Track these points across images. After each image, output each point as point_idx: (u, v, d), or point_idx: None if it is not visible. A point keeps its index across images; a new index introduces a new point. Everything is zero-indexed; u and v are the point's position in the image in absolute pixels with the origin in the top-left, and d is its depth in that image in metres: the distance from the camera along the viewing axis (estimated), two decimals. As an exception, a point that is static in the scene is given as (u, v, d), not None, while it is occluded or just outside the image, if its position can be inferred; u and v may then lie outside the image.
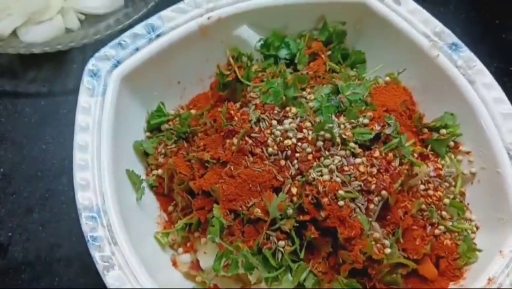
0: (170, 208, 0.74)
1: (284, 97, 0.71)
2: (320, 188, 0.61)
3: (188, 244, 0.70)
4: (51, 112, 0.92)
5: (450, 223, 0.68)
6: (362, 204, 0.62)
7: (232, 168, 0.67)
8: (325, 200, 0.61)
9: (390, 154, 0.66)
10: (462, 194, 0.73)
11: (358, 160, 0.64)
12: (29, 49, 0.88)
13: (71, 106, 0.81)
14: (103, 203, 0.62)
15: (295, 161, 0.66)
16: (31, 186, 0.84)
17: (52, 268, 0.78)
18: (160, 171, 0.74)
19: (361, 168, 0.63)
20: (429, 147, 0.74)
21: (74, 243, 0.80)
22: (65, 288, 0.77)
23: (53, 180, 0.85)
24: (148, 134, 0.77)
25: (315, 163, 0.65)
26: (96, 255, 0.58)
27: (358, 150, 0.65)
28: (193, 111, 0.79)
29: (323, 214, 0.61)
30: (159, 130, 0.78)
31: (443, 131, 0.74)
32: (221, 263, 0.64)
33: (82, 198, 0.61)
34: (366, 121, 0.67)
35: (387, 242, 0.62)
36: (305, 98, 0.72)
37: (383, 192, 0.63)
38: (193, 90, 0.83)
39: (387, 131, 0.67)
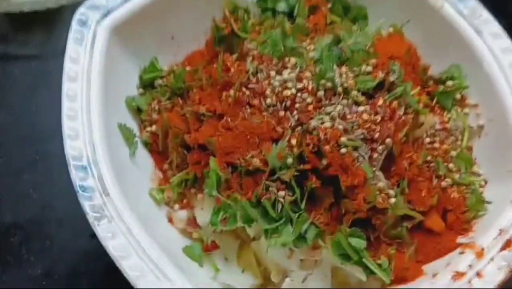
0: (165, 166, 0.71)
1: (282, 48, 0.68)
2: (321, 135, 0.58)
3: (184, 201, 0.67)
4: (43, 75, 0.89)
5: (458, 176, 0.66)
6: (366, 153, 0.59)
7: (229, 120, 0.64)
8: (326, 147, 0.58)
9: (395, 103, 0.63)
10: (469, 148, 0.70)
11: (361, 108, 0.61)
12: (18, 8, 0.85)
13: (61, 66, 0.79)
14: (93, 154, 0.59)
15: (295, 112, 0.63)
16: (21, 149, 0.81)
17: (43, 230, 0.75)
18: (154, 128, 0.71)
19: (364, 116, 0.60)
20: (434, 100, 0.71)
21: (66, 205, 0.76)
22: (57, 250, 0.74)
23: (45, 143, 0.82)
24: (141, 90, 0.74)
25: (316, 113, 0.62)
26: (86, 205, 0.55)
27: (361, 98, 0.62)
28: (188, 68, 0.76)
29: (324, 162, 0.58)
30: (152, 86, 0.75)
31: (449, 83, 0.71)
32: (218, 217, 0.61)
33: (71, 147, 0.58)
34: (369, 68, 0.64)
35: (392, 192, 0.59)
36: (305, 49, 0.69)
37: (388, 140, 0.60)
38: (188, 47, 0.79)
39: (392, 78, 0.64)
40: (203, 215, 0.65)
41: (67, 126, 0.59)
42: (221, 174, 0.61)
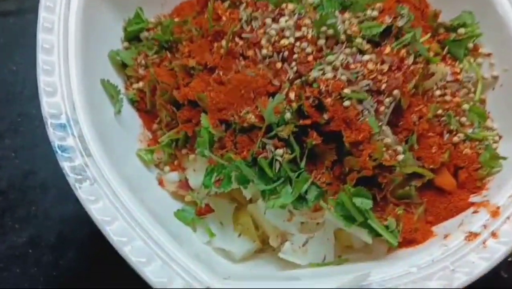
0: (155, 126, 0.66)
1: (279, -7, 0.62)
2: (323, 87, 0.53)
3: (176, 162, 0.62)
4: (21, 32, 0.83)
5: (470, 130, 0.61)
6: (371, 106, 0.54)
7: (221, 73, 0.59)
8: (328, 100, 0.53)
9: (403, 51, 0.57)
10: (483, 101, 0.65)
11: (366, 57, 0.56)
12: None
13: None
14: (73, 111, 0.54)
15: (293, 63, 0.57)
16: (1, 111, 0.76)
17: (27, 197, 0.71)
18: (141, 84, 0.65)
19: (370, 66, 0.55)
20: (445, 49, 0.65)
21: (50, 170, 0.72)
22: (43, 217, 0.70)
23: (26, 104, 0.77)
24: (126, 44, 0.68)
25: (316, 63, 0.56)
26: (65, 166, 0.50)
27: (366, 46, 0.57)
28: (176, 19, 0.70)
29: (326, 116, 0.53)
30: (138, 39, 0.69)
31: (461, 30, 0.65)
32: (212, 178, 0.56)
33: (48, 105, 0.53)
34: (375, 13, 0.59)
35: (399, 148, 0.54)
36: (303, -6, 0.63)
37: (395, 91, 0.54)
38: (176, -1, 0.73)
39: (400, 23, 0.58)
40: (196, 177, 0.60)
41: (43, 81, 0.54)
42: (213, 132, 0.57)
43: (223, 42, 0.59)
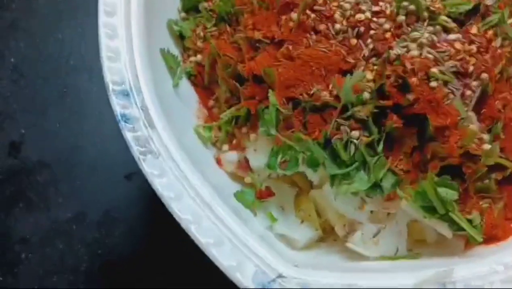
0: (211, 102, 0.62)
1: (354, -35, 0.58)
2: (408, 65, 0.49)
3: (234, 142, 0.59)
4: (69, 3, 0.79)
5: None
6: (457, 89, 0.50)
7: (290, 47, 0.55)
8: (413, 80, 0.49)
9: (490, 32, 0.53)
10: None
11: (452, 36, 0.52)
12: None
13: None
14: (136, 80, 0.50)
15: (369, 40, 0.53)
16: (46, 81, 0.73)
17: (72, 172, 0.68)
18: (199, 57, 0.61)
19: (457, 45, 0.51)
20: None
21: (97, 143, 0.69)
22: (88, 193, 0.67)
23: (73, 76, 0.74)
24: (183, 14, 0.65)
25: (399, 40, 0.52)
26: (129, 137, 0.47)
27: (452, 25, 0.52)
28: (237, -9, 0.66)
29: (410, 97, 0.49)
30: (197, 10, 0.65)
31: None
32: (277, 159, 0.53)
33: (110, 70, 0.49)
34: (461, -10, 0.54)
35: (485, 137, 0.50)
36: (380, -32, 0.59)
37: (484, 75, 0.50)
38: (236, -31, 0.69)
39: (488, 1, 0.53)
40: (257, 158, 0.56)
41: (105, 45, 0.50)
42: (282, 110, 0.53)
43: (293, 15, 0.55)
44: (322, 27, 0.55)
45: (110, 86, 0.49)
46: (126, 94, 0.49)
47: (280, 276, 0.44)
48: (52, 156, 0.69)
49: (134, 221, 0.66)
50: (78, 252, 0.64)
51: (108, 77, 0.49)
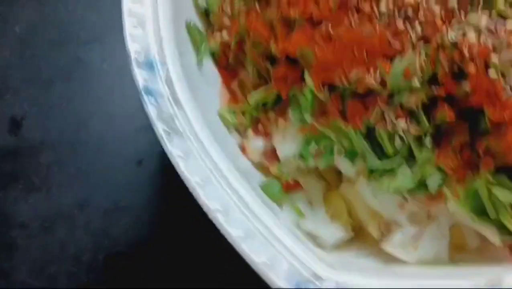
0: (234, 84, 0.57)
1: None
2: (465, 51, 0.44)
3: (259, 127, 0.54)
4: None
5: None
6: (514, 82, 0.45)
7: (329, 28, 0.50)
8: (471, 68, 0.44)
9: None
10: None
11: (510, 25, 0.47)
12: None
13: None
14: (160, 51, 0.45)
15: (417, 24, 0.49)
16: (53, 52, 0.68)
17: (78, 153, 0.63)
18: (225, 35, 0.56)
19: (516, 34, 0.46)
20: None
21: (106, 123, 0.64)
22: (94, 178, 0.62)
23: (81, 48, 0.68)
24: (209, -12, 0.59)
25: (446, 27, 0.48)
26: (152, 113, 0.42)
27: (509, 12, 0.48)
28: (267, -34, 0.61)
29: (466, 87, 0.44)
30: (223, -14, 0.60)
31: None
32: (310, 148, 0.48)
33: (133, 38, 0.44)
34: (520, -25, 0.49)
35: (546, 136, 0.45)
36: (428, -51, 0.54)
37: (545, 69, 0.45)
38: None
39: (551, -12, 0.49)
40: (286, 146, 0.52)
41: (128, 9, 0.45)
42: (318, 94, 0.48)
43: (335, -8, 0.50)
44: (365, 7, 0.50)
45: (133, 55, 0.43)
46: (150, 65, 0.44)
47: (315, 275, 0.39)
48: (57, 135, 0.63)
49: (141, 210, 0.60)
50: (80, 241, 0.59)
51: (131, 44, 0.44)
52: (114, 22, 0.66)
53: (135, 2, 0.46)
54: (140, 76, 0.43)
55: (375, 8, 0.50)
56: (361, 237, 0.52)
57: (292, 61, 0.51)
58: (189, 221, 0.59)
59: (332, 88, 0.49)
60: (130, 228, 0.59)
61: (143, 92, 0.42)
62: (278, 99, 0.53)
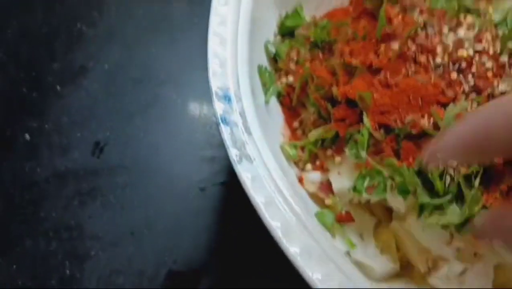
0: (296, 124, 0.63)
1: (456, 6, 0.59)
2: (514, 101, 0.48)
3: (317, 163, 0.59)
4: (165, 19, 0.84)
5: None
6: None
7: (388, 75, 0.55)
8: (519, 117, 0.48)
9: None
10: None
11: (557, 80, 0.51)
12: None
13: (187, 12, 0.74)
14: (237, 89, 0.52)
15: (470, 76, 0.53)
16: (135, 89, 0.76)
17: (150, 178, 0.69)
18: (290, 79, 0.63)
19: None
20: None
21: (175, 153, 0.71)
22: (162, 199, 0.68)
23: (160, 87, 0.77)
24: (279, 38, 0.67)
25: (496, 80, 0.52)
26: (227, 139, 0.48)
27: (559, 70, 0.52)
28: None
29: (515, 134, 0.48)
30: (292, 36, 0.67)
31: None
32: (364, 183, 0.52)
33: (215, 76, 0.51)
34: None
35: None
36: (481, 11, 0.59)
37: None
38: (329, 3, 0.71)
39: None
40: (340, 181, 0.56)
41: (214, 51, 0.52)
42: (374, 134, 0.53)
43: (394, 44, 0.56)
44: (422, 58, 0.55)
45: (214, 90, 0.50)
46: (228, 99, 0.50)
47: (366, 295, 0.42)
48: (132, 161, 0.71)
49: (203, 233, 0.66)
50: (146, 257, 0.64)
51: (213, 81, 0.51)
52: (188, 64, 0.76)
53: (219, 44, 0.53)
54: (219, 107, 0.49)
55: (431, 60, 0.55)
56: (408, 273, 0.54)
57: (352, 104, 0.57)
58: (246, 246, 0.64)
59: (387, 129, 0.54)
60: (191, 249, 0.64)
61: (220, 121, 0.49)
62: (336, 138, 0.58)
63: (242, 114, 0.50)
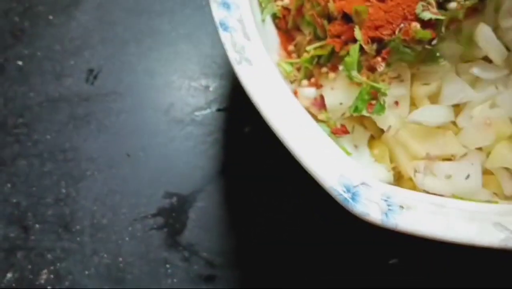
0: (291, 47, 0.63)
1: None
2: None
3: (312, 80, 0.60)
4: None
5: None
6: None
7: (383, -10, 0.56)
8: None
9: None
10: None
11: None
12: None
13: None
14: (236, -1, 0.52)
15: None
16: (129, 19, 0.76)
17: (144, 103, 0.70)
18: (286, 1, 0.63)
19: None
20: None
21: (171, 82, 0.71)
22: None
23: (153, 17, 0.76)
24: (274, -38, 0.67)
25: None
26: (226, 42, 0.48)
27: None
28: None
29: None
30: (287, -39, 0.68)
31: None
32: (365, 101, 0.53)
33: (214, -15, 0.51)
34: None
35: None
36: None
37: None
38: None
39: None
40: (333, 95, 0.57)
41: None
42: (365, 48, 0.54)
43: (389, -38, 0.57)
44: (418, -27, 0.56)
45: (212, -3, 0.51)
46: (227, 6, 0.51)
47: (364, 183, 0.44)
48: (127, 87, 0.71)
49: (197, 157, 0.66)
50: (141, 178, 0.65)
51: (212, -11, 0.51)
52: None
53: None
54: (217, 13, 0.50)
55: (425, -24, 0.56)
56: (400, 183, 0.56)
57: (348, 19, 0.57)
58: (239, 170, 0.65)
59: (380, 45, 0.55)
60: (185, 171, 0.65)
61: (219, 26, 0.49)
62: (332, 55, 0.59)
63: (241, 22, 0.51)
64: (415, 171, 0.53)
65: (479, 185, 0.50)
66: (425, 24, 0.52)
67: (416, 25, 0.51)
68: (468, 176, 0.50)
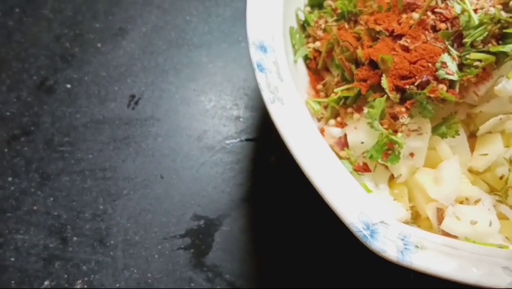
0: (319, 86, 0.68)
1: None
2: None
3: (338, 119, 0.64)
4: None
5: None
6: None
7: (408, 40, 0.61)
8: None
9: None
10: None
11: None
12: None
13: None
14: (272, 42, 0.57)
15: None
16: (169, 51, 0.82)
17: (179, 128, 0.75)
18: (317, 44, 0.68)
19: None
20: None
21: (206, 110, 0.76)
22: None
23: (192, 50, 0.82)
24: (308, 9, 0.72)
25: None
26: (261, 82, 0.53)
27: None
28: (357, -3, 0.73)
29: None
30: (320, 7, 0.72)
31: None
32: (381, 151, 0.57)
33: (253, 30, 0.56)
34: None
35: None
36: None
37: None
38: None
39: None
40: (356, 134, 0.61)
41: (251, 11, 0.57)
42: (390, 95, 0.58)
43: (415, 14, 0.61)
44: (441, 26, 0.60)
45: (251, 40, 0.56)
46: (264, 50, 0.56)
47: (382, 222, 0.47)
48: (165, 113, 0.76)
49: (226, 183, 0.71)
50: (173, 199, 0.69)
51: (252, 33, 0.56)
52: (219, 32, 0.81)
53: (256, 7, 0.58)
54: (255, 55, 0.55)
55: (449, 28, 0.60)
56: (417, 222, 0.59)
57: (375, 66, 0.62)
58: (265, 196, 0.69)
59: (403, 94, 0.59)
60: (214, 195, 0.70)
61: (256, 67, 0.54)
62: (358, 97, 0.63)
63: (276, 64, 0.56)
64: (434, 215, 0.56)
65: (498, 231, 0.53)
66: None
67: (443, 88, 0.55)
68: (491, 223, 0.53)
